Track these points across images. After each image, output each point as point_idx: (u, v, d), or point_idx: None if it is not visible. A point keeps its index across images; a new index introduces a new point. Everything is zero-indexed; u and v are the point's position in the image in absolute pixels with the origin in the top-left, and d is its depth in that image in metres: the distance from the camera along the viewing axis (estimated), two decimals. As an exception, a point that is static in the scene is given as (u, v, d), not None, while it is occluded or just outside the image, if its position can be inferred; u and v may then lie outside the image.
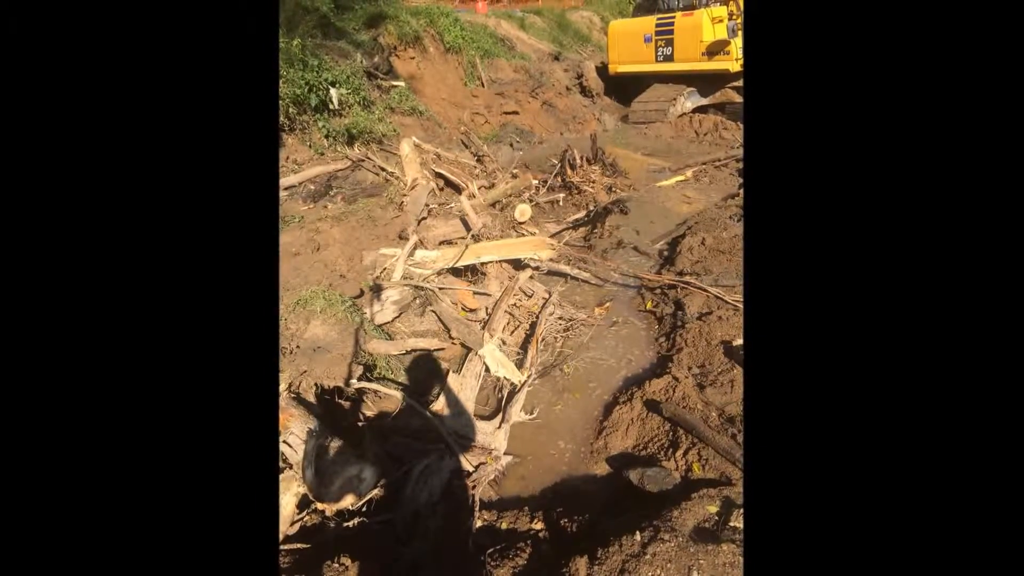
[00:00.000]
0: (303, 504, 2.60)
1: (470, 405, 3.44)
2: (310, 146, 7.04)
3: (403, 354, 3.86)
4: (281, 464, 2.61)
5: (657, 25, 11.87)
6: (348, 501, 2.54)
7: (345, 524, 2.57)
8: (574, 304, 4.84)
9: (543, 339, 4.26)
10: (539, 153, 9.26)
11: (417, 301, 4.30)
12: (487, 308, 4.51)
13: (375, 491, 2.64)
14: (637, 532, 2.23)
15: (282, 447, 2.59)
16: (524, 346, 4.19)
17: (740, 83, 11.09)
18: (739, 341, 3.71)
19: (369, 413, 3.25)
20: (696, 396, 3.27)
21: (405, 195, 6.01)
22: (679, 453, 2.91)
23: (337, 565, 2.33)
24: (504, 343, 4.15)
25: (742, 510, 2.26)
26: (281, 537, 2.48)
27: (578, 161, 7.36)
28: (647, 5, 12.73)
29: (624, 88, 13.49)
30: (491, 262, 4.88)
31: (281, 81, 6.73)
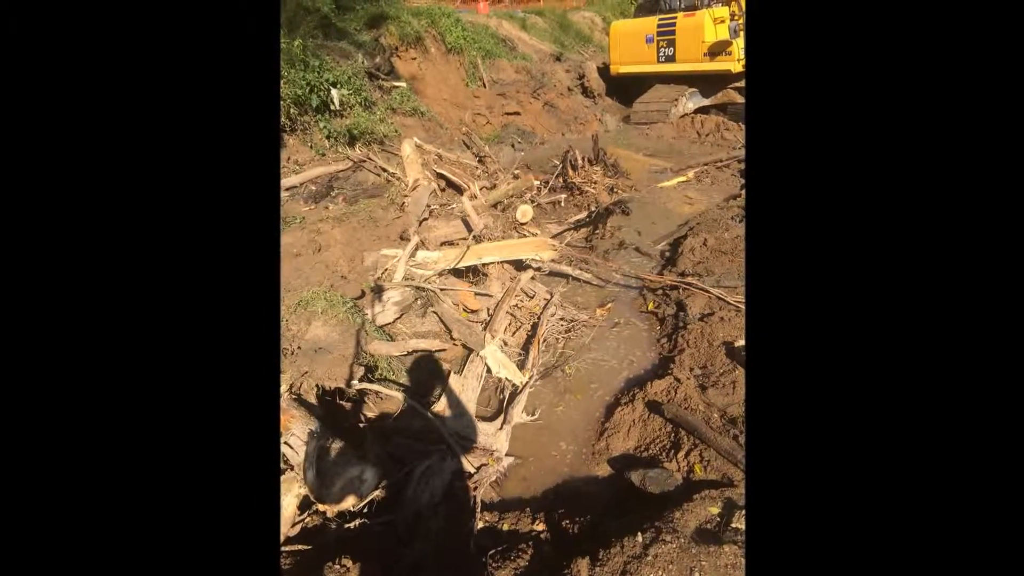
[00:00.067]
0: (304, 505, 2.60)
1: (471, 406, 3.43)
2: (311, 147, 7.05)
3: (404, 355, 3.86)
4: (282, 465, 2.61)
5: (659, 26, 11.87)
6: (349, 502, 2.54)
7: (346, 525, 2.57)
8: (576, 305, 4.84)
9: (544, 340, 4.25)
10: (541, 154, 9.26)
11: (418, 302, 4.30)
12: (488, 309, 4.51)
13: (376, 492, 2.63)
14: (639, 533, 2.23)
15: (283, 448, 2.59)
16: (526, 347, 4.18)
17: (742, 84, 11.08)
18: (741, 342, 3.70)
19: (370, 414, 3.25)
20: (698, 397, 3.26)
21: (406, 196, 6.01)
22: (681, 454, 2.91)
23: (338, 566, 2.33)
24: (506, 344, 4.15)
25: (744, 511, 2.25)
26: (282, 538, 2.48)
27: (580, 162, 7.35)
28: (649, 6, 12.74)
29: (626, 89, 13.49)
30: (493, 263, 4.88)
31: (282, 82, 6.74)
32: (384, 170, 6.90)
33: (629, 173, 7.89)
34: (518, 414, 3.45)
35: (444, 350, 4.05)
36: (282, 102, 6.70)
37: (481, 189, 6.50)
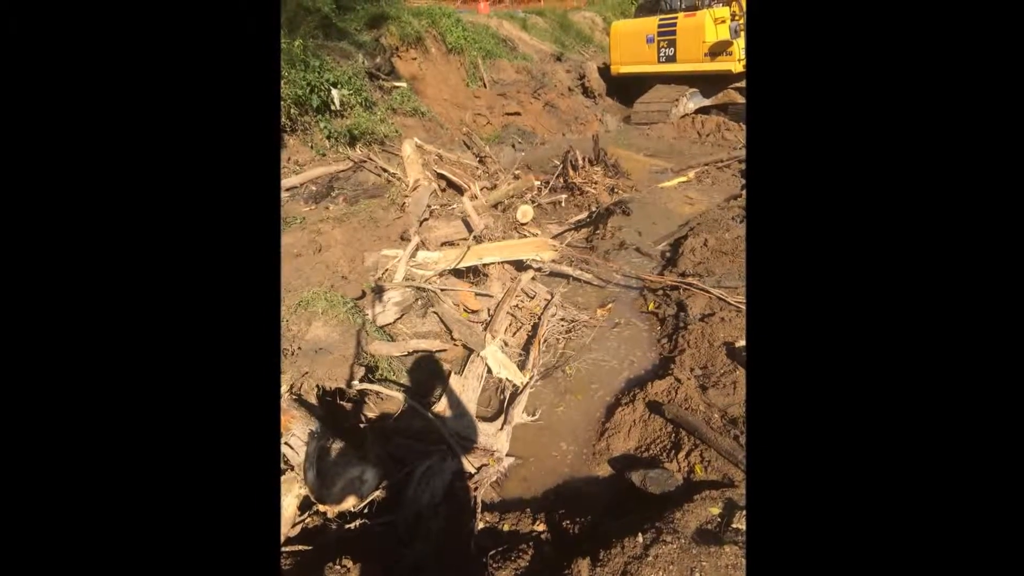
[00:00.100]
0: (305, 506, 2.59)
1: (472, 406, 3.43)
2: (312, 147, 7.05)
3: (405, 355, 3.86)
4: (283, 466, 2.60)
5: (659, 26, 11.87)
6: (350, 503, 2.54)
7: (347, 526, 2.57)
8: (576, 305, 4.84)
9: (545, 340, 4.25)
10: (541, 154, 9.25)
11: (419, 302, 4.30)
12: (489, 309, 4.51)
13: (377, 493, 2.63)
14: (639, 534, 2.23)
15: (284, 449, 2.59)
16: (526, 347, 4.18)
17: (743, 84, 11.08)
18: (741, 342, 3.70)
19: (371, 414, 3.25)
20: (698, 397, 3.26)
21: (407, 196, 6.01)
22: (681, 455, 2.90)
23: (339, 567, 2.33)
24: (506, 344, 4.15)
25: (744, 512, 2.25)
26: (282, 539, 2.48)
27: (580, 162, 7.35)
28: (649, 6, 12.74)
29: (626, 89, 13.50)
30: (493, 263, 4.88)
31: (283, 82, 6.74)
32: (385, 170, 6.90)
33: (630, 173, 7.89)
34: (519, 414, 3.45)
35: (445, 350, 4.05)
36: (282, 102, 6.70)
37: (482, 189, 6.50)
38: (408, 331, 4.14)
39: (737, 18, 10.43)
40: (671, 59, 11.83)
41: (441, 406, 3.32)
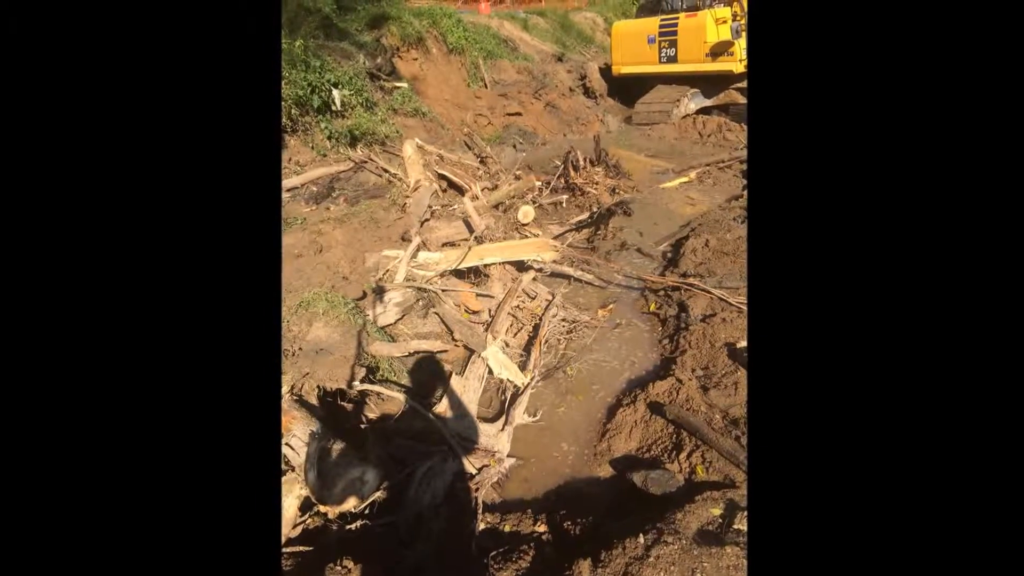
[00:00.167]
0: (305, 507, 2.59)
1: (473, 407, 3.43)
2: (313, 147, 7.05)
3: (406, 356, 3.86)
4: (283, 467, 2.60)
5: (661, 26, 11.86)
6: (350, 503, 2.54)
7: (348, 527, 2.57)
8: (577, 306, 4.83)
9: (546, 341, 4.25)
10: (542, 154, 9.25)
11: (420, 303, 4.30)
12: (490, 310, 4.51)
13: (378, 493, 2.63)
14: (640, 535, 2.22)
15: (284, 449, 2.59)
16: (527, 348, 4.18)
17: (744, 84, 11.07)
18: (743, 343, 3.69)
19: (372, 415, 3.25)
20: (700, 398, 3.26)
21: (408, 197, 6.01)
22: (683, 455, 2.90)
23: (340, 568, 2.33)
24: (507, 345, 4.15)
25: (746, 513, 2.25)
26: (283, 540, 2.48)
27: (581, 163, 7.35)
28: (651, 6, 12.73)
29: (628, 89, 13.49)
30: (494, 264, 4.88)
31: (283, 82, 6.74)
32: (385, 171, 6.90)
33: (631, 174, 7.89)
34: (520, 415, 3.45)
35: (445, 351, 4.05)
36: (283, 103, 6.70)
37: (483, 190, 6.50)
38: (409, 332, 4.14)
39: (738, 18, 10.43)
40: (672, 59, 11.82)
41: (442, 407, 3.32)
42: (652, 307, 4.70)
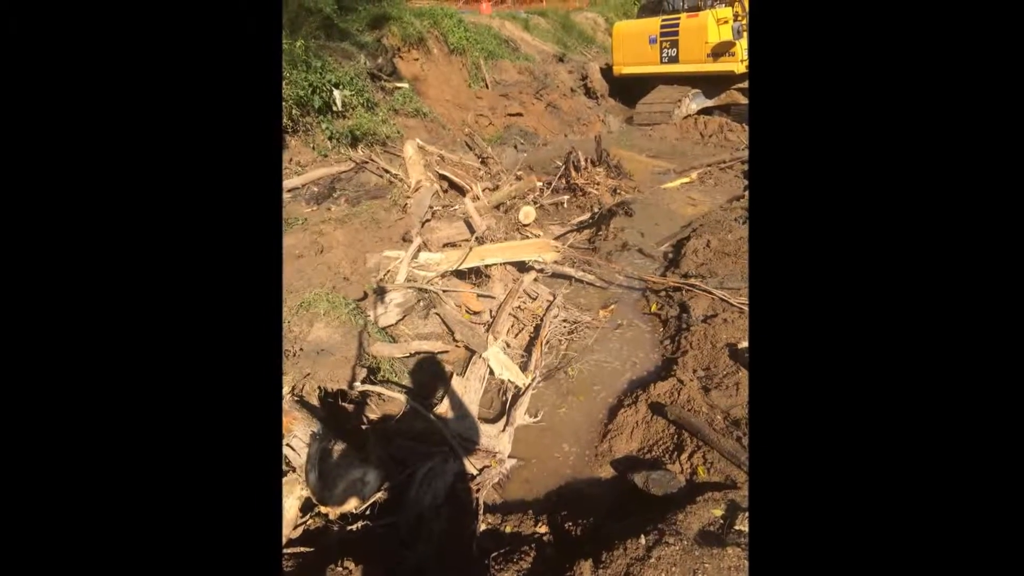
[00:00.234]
0: (306, 507, 2.59)
1: (474, 408, 3.43)
2: (313, 148, 7.05)
3: (407, 357, 3.86)
4: (284, 467, 2.60)
5: (662, 26, 11.86)
6: (351, 504, 2.54)
7: (348, 527, 2.57)
8: (578, 306, 4.83)
9: (547, 342, 4.25)
10: (543, 155, 9.24)
11: (421, 304, 4.30)
12: (491, 311, 4.51)
13: (378, 494, 2.63)
14: (642, 536, 2.22)
15: (285, 450, 2.59)
16: (528, 349, 4.18)
17: (745, 85, 11.07)
18: (744, 344, 3.69)
19: (373, 416, 3.25)
20: (701, 399, 3.25)
21: (409, 197, 6.02)
22: (684, 456, 2.90)
23: (340, 569, 2.33)
24: (508, 346, 4.15)
25: (747, 514, 2.24)
26: (284, 541, 2.48)
27: (582, 163, 7.35)
28: (652, 6, 12.73)
29: (629, 89, 13.48)
30: (495, 264, 4.88)
31: (284, 83, 6.74)
32: (386, 171, 6.90)
33: (632, 174, 7.89)
34: (521, 416, 3.45)
35: (446, 352, 4.05)
36: (284, 103, 6.70)
37: (484, 190, 6.51)
38: (410, 332, 4.14)
39: (740, 19, 10.42)
40: (674, 60, 11.82)
41: (443, 408, 3.32)
42: (653, 308, 4.70)
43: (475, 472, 2.98)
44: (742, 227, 5.69)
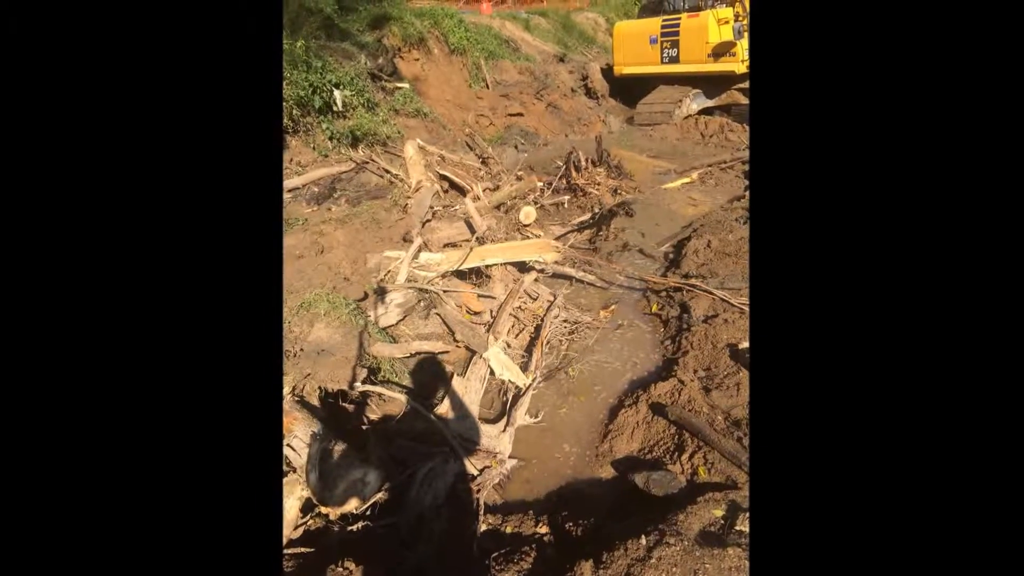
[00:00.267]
0: (307, 508, 2.59)
1: (474, 408, 3.43)
2: (314, 148, 7.05)
3: (407, 357, 3.86)
4: (285, 468, 2.60)
5: (663, 27, 11.85)
6: (352, 505, 2.54)
7: (349, 528, 2.57)
8: (579, 307, 4.83)
9: (548, 342, 4.25)
10: (544, 155, 9.24)
11: (421, 304, 4.30)
12: (492, 311, 4.51)
13: (379, 495, 2.63)
14: (642, 536, 2.22)
15: (286, 451, 2.59)
16: (529, 349, 4.18)
17: (746, 85, 11.07)
18: (745, 344, 3.69)
19: (373, 416, 3.25)
20: (702, 399, 3.25)
21: (409, 197, 6.01)
22: (685, 457, 2.90)
23: (341, 569, 2.33)
24: (509, 346, 4.14)
25: (748, 514, 2.24)
26: (284, 541, 2.48)
27: (583, 163, 7.34)
28: (653, 6, 12.72)
29: (629, 90, 13.48)
30: (496, 265, 4.88)
31: (285, 83, 6.74)
32: (387, 171, 6.90)
33: (633, 174, 7.88)
34: (521, 416, 3.45)
35: (447, 352, 4.04)
36: (285, 103, 6.70)
37: (484, 191, 6.50)
38: (410, 333, 4.14)
39: (740, 19, 10.42)
40: (674, 60, 11.81)
41: (443, 408, 3.32)
42: (654, 308, 4.70)
43: (476, 472, 2.98)
44: (743, 227, 5.69)
